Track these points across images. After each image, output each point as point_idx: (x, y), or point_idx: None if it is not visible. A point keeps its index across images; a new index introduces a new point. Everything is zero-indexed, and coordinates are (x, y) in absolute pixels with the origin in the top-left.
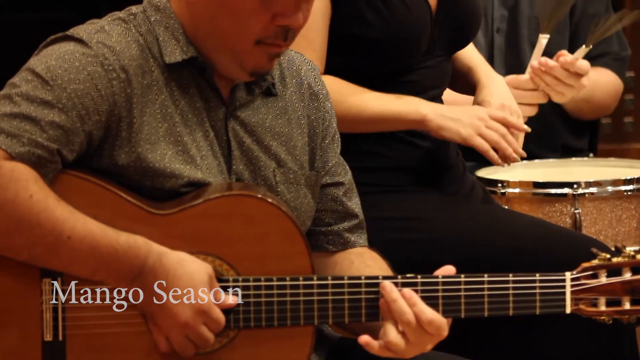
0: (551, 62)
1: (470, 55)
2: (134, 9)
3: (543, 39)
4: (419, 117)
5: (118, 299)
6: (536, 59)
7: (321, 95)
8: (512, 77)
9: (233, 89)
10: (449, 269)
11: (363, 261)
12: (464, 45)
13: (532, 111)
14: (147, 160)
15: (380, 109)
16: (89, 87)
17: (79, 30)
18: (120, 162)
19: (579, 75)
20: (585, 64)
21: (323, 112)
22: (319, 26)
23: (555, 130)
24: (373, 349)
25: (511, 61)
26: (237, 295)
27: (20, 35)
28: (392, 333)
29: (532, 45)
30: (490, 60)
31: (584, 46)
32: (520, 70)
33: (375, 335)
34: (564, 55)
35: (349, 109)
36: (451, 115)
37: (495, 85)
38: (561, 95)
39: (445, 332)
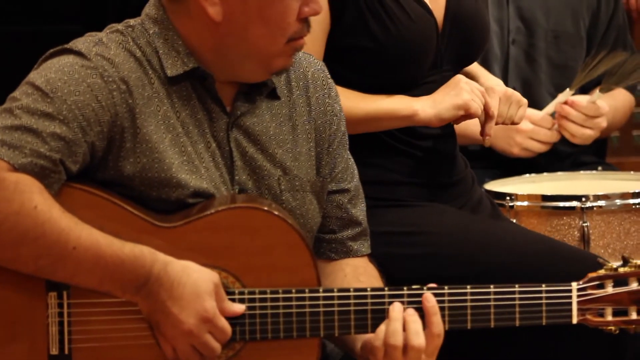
0: (567, 109)
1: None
2: (132, 21)
3: (568, 94)
4: (411, 112)
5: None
6: (553, 108)
7: (329, 98)
8: (530, 112)
9: (235, 97)
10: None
11: (355, 276)
12: (472, 60)
13: (544, 148)
14: (153, 170)
15: (372, 108)
16: (89, 99)
17: (77, 43)
18: (126, 172)
19: (597, 116)
20: (602, 105)
21: (331, 116)
22: (315, 36)
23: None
24: None
25: (526, 74)
26: (243, 303)
27: (23, 48)
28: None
29: (549, 59)
30: (505, 72)
31: (598, 90)
32: (535, 83)
33: (351, 344)
34: (579, 102)
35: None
36: (439, 97)
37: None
38: (584, 139)
39: None
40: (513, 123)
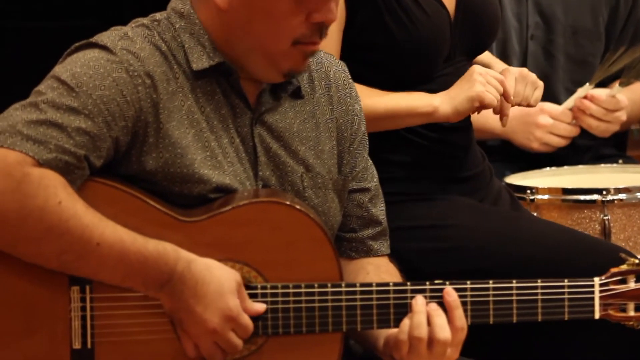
0: (587, 103)
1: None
2: (157, 15)
3: (587, 88)
4: (431, 108)
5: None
6: (573, 102)
7: (350, 98)
8: (550, 107)
9: (260, 94)
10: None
11: (378, 274)
12: (483, 49)
13: (564, 143)
14: (175, 165)
15: (392, 105)
16: (115, 93)
17: (102, 37)
18: (149, 167)
19: (616, 110)
20: (622, 99)
21: (352, 115)
22: (331, 34)
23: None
24: None
25: (545, 69)
26: (265, 302)
27: (46, 43)
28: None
29: (567, 54)
30: (524, 67)
31: (617, 84)
32: (553, 79)
33: (373, 341)
34: (598, 96)
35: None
36: (455, 92)
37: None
38: (603, 132)
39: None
40: (529, 105)
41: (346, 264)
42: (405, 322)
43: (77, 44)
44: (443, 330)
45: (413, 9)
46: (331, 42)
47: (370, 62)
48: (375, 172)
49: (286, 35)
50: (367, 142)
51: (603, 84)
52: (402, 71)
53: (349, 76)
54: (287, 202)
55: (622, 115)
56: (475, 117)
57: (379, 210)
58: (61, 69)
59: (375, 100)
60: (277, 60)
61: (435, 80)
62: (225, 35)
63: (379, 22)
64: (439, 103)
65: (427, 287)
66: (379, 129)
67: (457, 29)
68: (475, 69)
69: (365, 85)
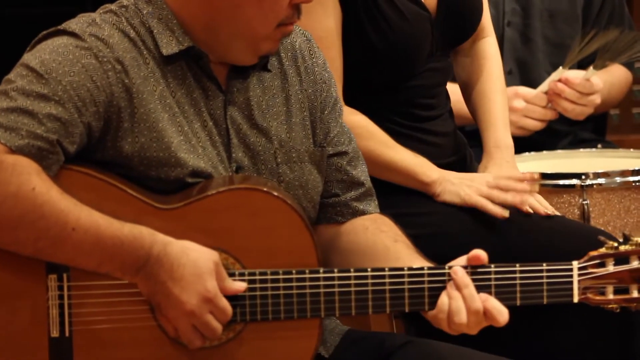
0: (561, 86)
1: (490, 111)
2: (125, 1)
3: (561, 72)
4: (428, 180)
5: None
6: (547, 86)
7: (317, 67)
8: (524, 91)
9: (228, 74)
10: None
11: (377, 227)
12: (464, 40)
13: (540, 126)
14: (152, 149)
15: (398, 161)
16: (84, 79)
17: (71, 24)
18: (125, 152)
19: (590, 93)
20: (596, 82)
21: (320, 84)
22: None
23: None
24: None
25: (522, 54)
26: (244, 277)
27: (15, 31)
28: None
29: (545, 38)
30: (500, 54)
31: (592, 67)
32: (531, 63)
33: None
34: (573, 79)
35: (362, 151)
36: (455, 179)
37: (501, 157)
38: (577, 115)
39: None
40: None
41: (338, 227)
42: (444, 301)
43: (45, 32)
44: (475, 301)
45: (392, 16)
46: (335, 46)
47: (353, 63)
48: (352, 136)
49: (273, 18)
50: (341, 109)
51: (582, 66)
52: (384, 73)
53: (315, 45)
54: (265, 189)
55: (597, 99)
56: (453, 104)
57: (360, 171)
58: (30, 57)
59: (383, 149)
60: (259, 43)
61: (418, 76)
62: (206, 20)
63: (360, 28)
64: (437, 178)
65: (406, 272)
66: (372, 174)
67: (439, 27)
68: (484, 179)
69: (348, 83)
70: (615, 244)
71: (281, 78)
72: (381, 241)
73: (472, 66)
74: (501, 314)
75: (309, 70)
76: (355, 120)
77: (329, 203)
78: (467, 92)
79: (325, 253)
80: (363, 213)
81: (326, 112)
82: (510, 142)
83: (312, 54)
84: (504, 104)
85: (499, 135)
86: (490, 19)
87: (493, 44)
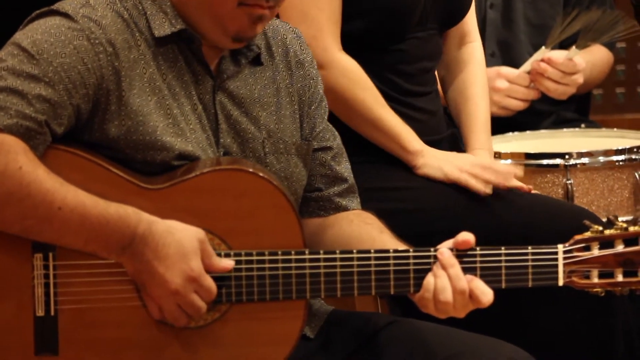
0: (544, 65)
1: (474, 114)
2: None
3: (544, 52)
4: (412, 149)
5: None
6: (530, 66)
7: (306, 63)
8: (507, 71)
9: (220, 61)
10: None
11: (362, 220)
12: (456, 21)
13: (523, 106)
14: (137, 132)
15: (387, 121)
16: (76, 61)
17: (64, 5)
18: (111, 135)
19: (573, 73)
20: (579, 62)
21: (309, 79)
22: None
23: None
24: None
25: (504, 35)
26: (230, 258)
27: (6, 10)
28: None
29: (527, 19)
30: (482, 35)
31: (574, 47)
32: (513, 44)
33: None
34: (555, 59)
35: (355, 99)
36: (439, 154)
37: (484, 157)
38: (560, 95)
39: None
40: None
41: (322, 220)
42: (430, 280)
43: (38, 12)
44: (460, 280)
45: None
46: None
47: (344, 17)
48: (337, 134)
49: None
50: (327, 107)
51: (564, 46)
52: (373, 31)
53: (305, 41)
54: (251, 170)
55: (579, 78)
56: (438, 85)
57: (344, 168)
58: (22, 36)
59: (373, 102)
60: (224, 21)
61: (407, 41)
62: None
63: None
64: (424, 148)
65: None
66: (355, 127)
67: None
68: (469, 159)
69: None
70: (600, 228)
71: (272, 70)
72: (367, 232)
73: (457, 69)
74: (485, 294)
75: (299, 65)
76: (355, 67)
77: (312, 197)
78: (451, 96)
79: (310, 245)
80: (346, 209)
81: (313, 107)
82: (492, 148)
83: (302, 50)
84: (487, 110)
85: (482, 138)
86: (476, 24)
87: (478, 49)
